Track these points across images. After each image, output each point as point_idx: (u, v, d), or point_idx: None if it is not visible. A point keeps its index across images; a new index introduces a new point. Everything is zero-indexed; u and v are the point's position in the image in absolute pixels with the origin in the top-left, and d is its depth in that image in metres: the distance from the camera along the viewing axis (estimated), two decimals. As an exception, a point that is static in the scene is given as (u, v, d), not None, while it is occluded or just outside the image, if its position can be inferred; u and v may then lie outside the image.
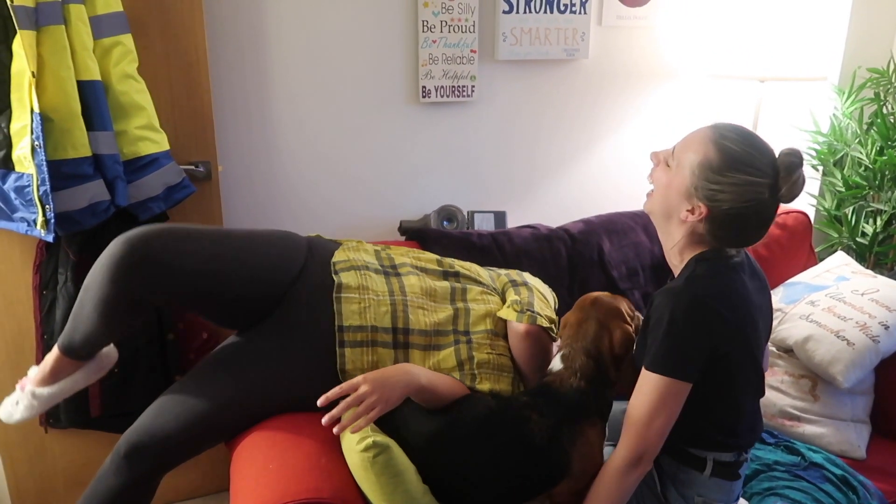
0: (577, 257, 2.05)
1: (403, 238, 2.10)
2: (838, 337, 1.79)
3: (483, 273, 1.75)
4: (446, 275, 1.70)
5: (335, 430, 1.24)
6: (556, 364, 1.43)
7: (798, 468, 1.62)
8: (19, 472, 1.93)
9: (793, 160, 1.27)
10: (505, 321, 1.61)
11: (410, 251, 1.78)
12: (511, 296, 1.65)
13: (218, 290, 1.46)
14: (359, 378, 1.28)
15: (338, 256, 1.63)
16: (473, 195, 2.42)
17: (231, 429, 1.46)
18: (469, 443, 1.34)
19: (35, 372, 1.50)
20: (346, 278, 1.55)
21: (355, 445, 1.26)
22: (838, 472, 1.60)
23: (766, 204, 1.27)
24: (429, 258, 1.75)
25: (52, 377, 1.48)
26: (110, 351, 1.57)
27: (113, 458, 1.40)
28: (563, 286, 2.02)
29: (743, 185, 1.24)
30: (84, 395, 1.81)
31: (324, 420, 1.24)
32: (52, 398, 1.49)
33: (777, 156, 1.29)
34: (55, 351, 1.47)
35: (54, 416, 1.85)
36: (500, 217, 2.32)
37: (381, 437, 1.27)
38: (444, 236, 2.01)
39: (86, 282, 1.40)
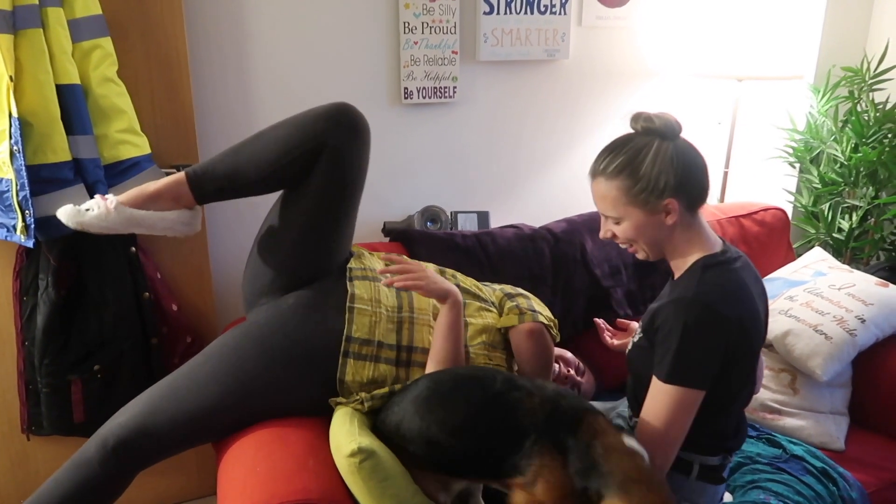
0: (560, 257, 2.07)
1: (388, 239, 2.11)
2: (816, 331, 1.83)
3: (482, 287, 1.76)
4: None
5: (383, 282, 1.48)
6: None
7: (779, 461, 1.64)
8: (1, 480, 1.91)
9: (635, 117, 1.36)
10: (501, 333, 1.63)
11: (411, 262, 1.77)
12: (508, 304, 1.66)
13: (346, 218, 1.61)
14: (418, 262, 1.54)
15: (353, 263, 1.64)
16: (456, 196, 2.43)
17: (223, 430, 1.46)
18: (462, 394, 1.33)
19: (130, 192, 1.46)
20: (360, 289, 1.56)
21: (343, 450, 1.26)
22: (818, 464, 1.63)
23: (674, 147, 1.31)
24: (431, 269, 1.75)
25: (149, 200, 1.46)
26: (197, 219, 1.56)
27: (98, 450, 1.38)
28: (546, 285, 2.04)
29: (653, 158, 1.29)
30: (67, 401, 1.79)
31: (378, 270, 1.53)
32: (130, 222, 1.43)
33: (631, 126, 1.37)
34: (176, 176, 1.49)
35: (36, 423, 1.83)
36: (483, 217, 2.33)
37: (368, 443, 1.27)
38: (427, 237, 2.01)
39: (271, 127, 1.52)
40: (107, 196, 1.46)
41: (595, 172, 1.36)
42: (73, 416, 1.82)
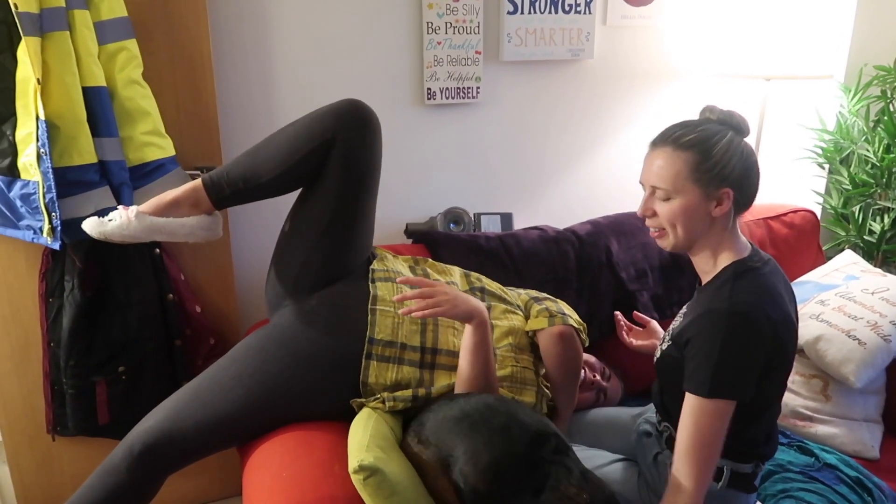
0: (585, 259, 2.04)
1: (410, 241, 2.10)
2: (849, 336, 1.79)
3: (507, 291, 1.74)
4: (473, 290, 1.69)
5: (401, 311, 1.37)
6: None
7: (812, 469, 1.61)
8: (27, 481, 1.92)
9: (710, 108, 1.39)
10: (528, 336, 1.61)
11: (436, 265, 1.77)
12: (536, 308, 1.64)
13: (365, 214, 1.59)
14: (440, 282, 1.46)
15: (376, 265, 1.63)
16: (479, 197, 2.41)
17: (248, 434, 1.45)
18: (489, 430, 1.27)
19: (149, 201, 1.50)
20: (382, 290, 1.55)
21: (350, 465, 1.23)
22: (853, 473, 1.59)
23: (747, 146, 1.33)
24: (456, 273, 1.75)
25: (169, 207, 1.49)
26: (218, 224, 1.58)
27: (125, 456, 1.38)
28: (571, 288, 2.01)
29: (728, 144, 1.29)
30: (92, 403, 1.80)
31: (394, 298, 1.44)
32: (151, 229, 1.46)
33: (703, 116, 1.38)
34: (193, 182, 1.51)
35: (62, 424, 1.84)
36: (506, 219, 2.31)
37: (372, 459, 1.22)
38: (451, 239, 2.00)
39: (283, 128, 1.54)
40: (129, 206, 1.48)
41: (662, 141, 1.32)
42: (97, 417, 1.82)
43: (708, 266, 1.35)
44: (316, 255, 1.57)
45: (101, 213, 1.64)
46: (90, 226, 1.46)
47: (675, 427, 1.28)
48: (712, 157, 1.27)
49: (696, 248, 1.34)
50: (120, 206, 1.49)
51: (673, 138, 1.31)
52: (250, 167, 1.51)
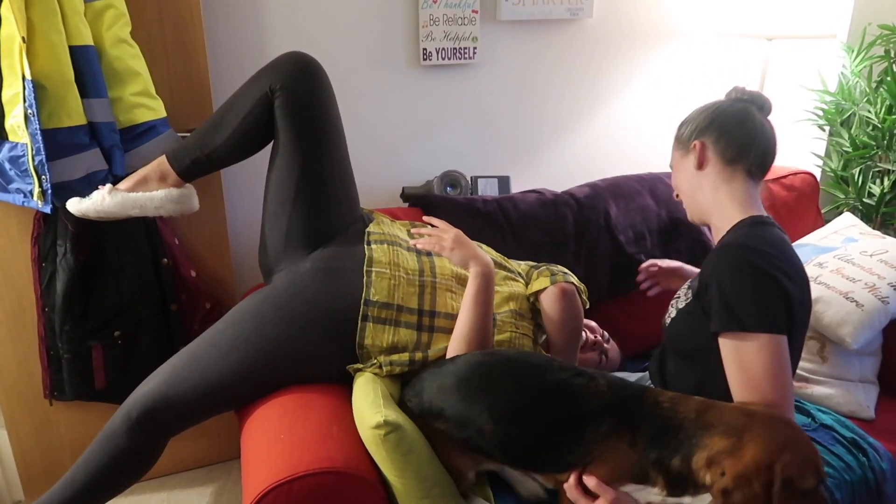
0: (583, 222, 2.03)
1: (406, 205, 2.07)
2: (847, 298, 1.78)
3: (507, 260, 1.74)
4: None
5: (411, 242, 1.57)
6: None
7: (808, 429, 1.61)
8: (25, 446, 1.93)
9: (734, 88, 1.45)
10: (530, 302, 1.60)
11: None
12: (536, 272, 1.63)
13: (335, 161, 1.58)
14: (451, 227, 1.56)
15: (372, 227, 1.62)
16: (476, 160, 2.38)
17: (245, 397, 1.46)
18: (517, 377, 1.27)
19: (124, 180, 1.58)
20: (378, 252, 1.54)
21: (368, 421, 1.25)
22: (848, 434, 1.60)
23: (728, 107, 1.38)
24: None
25: (140, 183, 1.57)
26: (189, 198, 1.63)
27: (124, 421, 1.39)
28: (569, 252, 2.00)
29: (699, 108, 1.41)
30: (88, 367, 1.80)
31: (412, 230, 1.59)
32: (124, 204, 1.54)
33: (728, 95, 1.46)
34: (159, 158, 1.58)
35: (59, 389, 1.84)
36: (503, 182, 2.28)
37: (394, 416, 1.25)
38: (448, 202, 1.98)
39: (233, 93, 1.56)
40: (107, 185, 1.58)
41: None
42: (94, 381, 1.82)
43: (721, 222, 1.36)
44: (296, 216, 1.56)
45: (92, 176, 1.62)
46: (70, 205, 1.55)
47: None
48: (682, 122, 1.41)
49: (708, 211, 1.38)
50: (100, 187, 1.57)
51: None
52: (205, 134, 1.56)
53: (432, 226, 1.62)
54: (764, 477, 1.00)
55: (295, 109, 1.51)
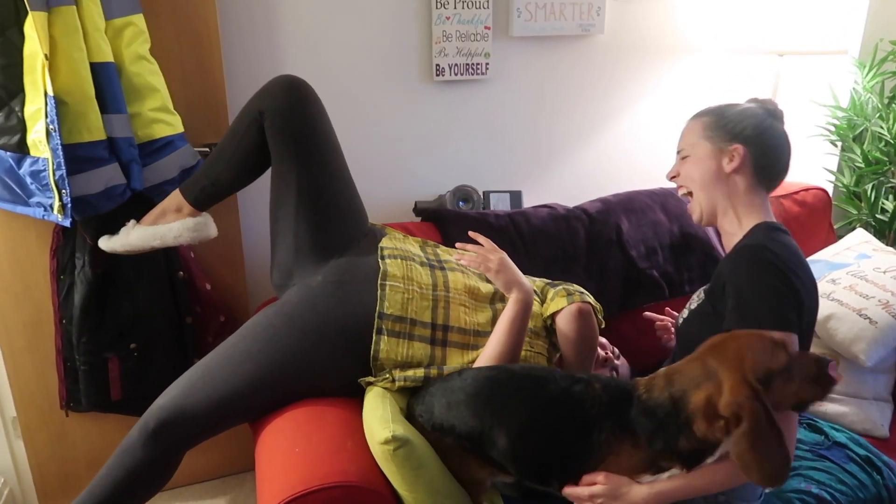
0: (595, 237, 2.03)
1: (419, 219, 2.09)
2: (861, 315, 1.78)
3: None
4: None
5: (454, 256, 1.54)
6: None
7: (821, 448, 1.61)
8: (41, 457, 1.95)
9: (753, 98, 1.46)
10: (545, 321, 1.61)
11: (448, 250, 1.77)
12: (553, 291, 1.64)
13: (330, 174, 1.60)
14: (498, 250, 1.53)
15: (385, 242, 1.63)
16: (488, 174, 2.40)
17: (260, 410, 1.47)
18: (519, 391, 1.30)
19: (146, 216, 1.66)
20: (392, 267, 1.55)
21: (377, 437, 1.26)
22: (862, 452, 1.59)
23: (773, 124, 1.39)
24: None
25: (159, 216, 1.65)
26: (206, 226, 1.68)
27: (141, 433, 1.40)
28: (580, 266, 2.01)
29: (744, 110, 1.39)
30: (104, 379, 1.82)
31: (457, 244, 1.54)
32: (145, 237, 1.62)
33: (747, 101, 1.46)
34: (173, 192, 1.65)
35: (75, 400, 1.86)
36: (515, 196, 2.29)
37: (402, 431, 1.26)
38: (460, 217, 1.99)
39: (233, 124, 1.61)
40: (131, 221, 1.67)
41: (693, 115, 1.46)
42: (110, 393, 1.84)
43: (733, 228, 1.37)
44: (301, 231, 1.59)
45: (111, 190, 1.65)
46: (101, 242, 1.66)
47: None
48: (725, 117, 1.38)
49: (721, 212, 1.38)
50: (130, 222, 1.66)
51: (701, 111, 1.44)
52: (210, 163, 1.63)
53: (477, 242, 1.56)
54: (748, 391, 1.04)
55: (283, 130, 1.55)
